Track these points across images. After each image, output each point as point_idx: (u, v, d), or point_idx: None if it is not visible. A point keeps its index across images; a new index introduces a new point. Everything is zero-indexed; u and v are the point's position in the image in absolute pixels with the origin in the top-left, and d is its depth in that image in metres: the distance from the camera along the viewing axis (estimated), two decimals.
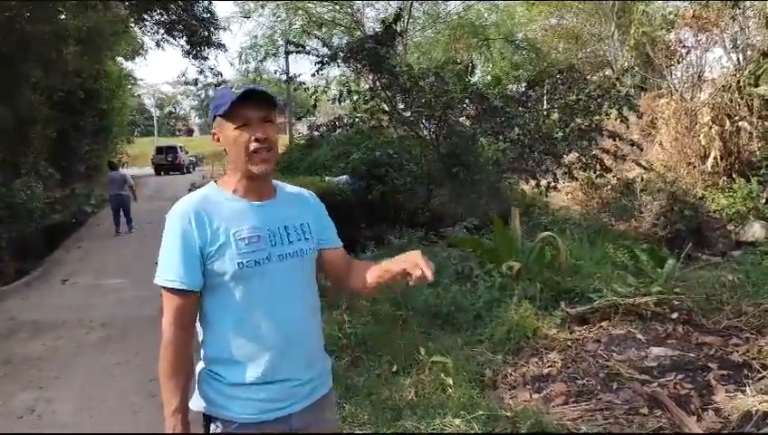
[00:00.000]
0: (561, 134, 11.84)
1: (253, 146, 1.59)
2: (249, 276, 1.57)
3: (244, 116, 1.59)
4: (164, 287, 1.56)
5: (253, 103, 1.60)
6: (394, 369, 3.78)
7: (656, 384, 2.93)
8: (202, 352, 1.66)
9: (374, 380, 3.62)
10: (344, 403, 3.30)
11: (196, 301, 1.59)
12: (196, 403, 1.65)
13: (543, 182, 12.06)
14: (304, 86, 15.18)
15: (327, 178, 18.75)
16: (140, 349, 5.23)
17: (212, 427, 1.62)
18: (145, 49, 23.08)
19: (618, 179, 14.43)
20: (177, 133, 67.85)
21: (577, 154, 12.04)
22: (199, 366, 1.67)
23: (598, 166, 11.70)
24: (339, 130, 14.11)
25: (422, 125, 12.65)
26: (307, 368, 1.68)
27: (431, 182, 13.49)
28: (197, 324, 1.65)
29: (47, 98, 13.06)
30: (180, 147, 33.59)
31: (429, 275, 1.56)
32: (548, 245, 4.65)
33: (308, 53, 13.54)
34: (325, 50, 14.44)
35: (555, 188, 11.95)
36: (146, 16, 12.74)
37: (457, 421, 2.76)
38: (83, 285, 8.81)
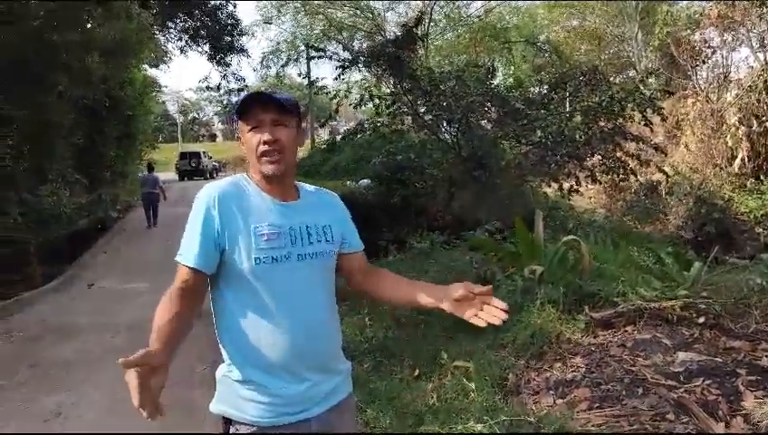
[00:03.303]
0: (583, 137, 11.71)
1: (261, 148, 1.62)
2: (266, 273, 1.57)
3: (255, 118, 1.63)
4: (179, 264, 1.59)
5: (262, 106, 1.63)
6: (416, 373, 3.76)
7: (682, 390, 2.86)
8: (222, 353, 1.66)
9: (396, 384, 3.61)
10: (366, 408, 3.29)
11: (204, 281, 1.59)
12: (216, 406, 1.65)
13: (566, 185, 11.94)
14: (325, 90, 15.29)
15: (348, 182, 18.84)
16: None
17: (231, 429, 1.61)
18: (169, 56, 23.45)
19: (641, 183, 14.23)
20: (201, 139, 68.73)
21: (600, 157, 11.91)
22: (219, 369, 1.68)
23: (621, 169, 11.55)
24: (360, 135, 14.13)
25: (443, 129, 12.62)
26: (326, 371, 1.67)
27: (452, 185, 13.44)
28: (214, 324, 1.65)
29: (73, 105, 13.31)
30: (203, 152, 34.03)
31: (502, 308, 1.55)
32: (571, 248, 4.60)
33: (329, 57, 13.60)
34: (346, 54, 14.50)
35: (577, 191, 11.81)
36: (170, 24, 12.92)
37: (479, 427, 2.73)
38: (109, 290, 8.94)
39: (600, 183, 12.85)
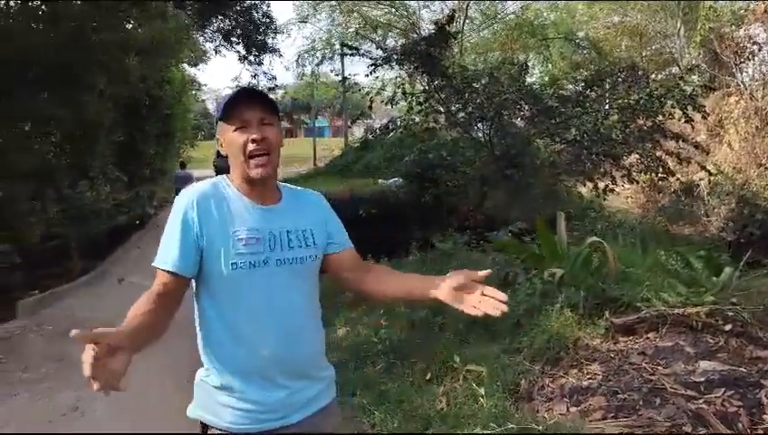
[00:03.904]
0: (620, 135, 11.44)
1: (250, 147, 1.59)
2: (243, 279, 1.55)
3: (241, 118, 1.60)
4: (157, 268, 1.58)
5: (250, 105, 1.60)
6: (428, 377, 3.74)
7: (702, 401, 2.76)
8: (202, 358, 1.66)
9: (407, 387, 3.58)
10: (375, 410, 3.29)
11: (183, 284, 1.58)
12: (194, 411, 1.65)
13: (601, 185, 11.69)
14: (358, 87, 15.33)
15: (380, 180, 18.81)
16: (191, 350, 5.34)
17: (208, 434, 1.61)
18: (208, 55, 23.85)
19: (681, 182, 13.82)
20: None
21: (638, 156, 11.62)
22: (198, 374, 1.68)
23: (660, 168, 11.24)
24: (393, 133, 14.12)
25: (476, 127, 12.50)
26: (306, 377, 1.65)
27: (485, 184, 13.30)
28: (197, 328, 1.64)
29: (114, 104, 13.65)
30: None
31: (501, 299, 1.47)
32: (596, 250, 4.49)
33: (362, 55, 13.63)
34: (379, 52, 14.50)
35: (613, 190, 11.53)
36: (205, 23, 13.11)
37: (485, 433, 2.69)
38: (138, 285, 9.07)
39: (638, 183, 12.54)
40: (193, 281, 1.63)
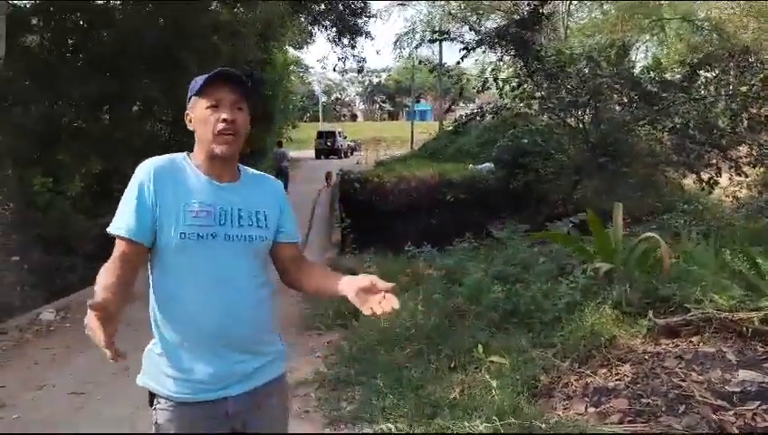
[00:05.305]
0: (729, 124, 10.56)
1: (219, 126, 1.63)
2: (190, 250, 1.59)
3: (215, 96, 1.65)
4: (114, 235, 1.63)
5: (225, 86, 1.66)
6: (452, 365, 3.69)
7: (731, 413, 2.53)
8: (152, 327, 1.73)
9: (429, 374, 3.55)
10: (389, 393, 3.31)
11: (141, 252, 1.63)
12: (142, 379, 1.70)
13: (705, 177, 10.84)
14: (450, 72, 15.17)
15: (470, 165, 18.58)
16: None
17: (154, 403, 1.67)
18: (313, 38, 24.36)
19: None
20: (342, 118, 71.08)
21: (747, 147, 10.69)
22: (149, 344, 1.75)
23: None
24: (482, 118, 13.84)
25: (570, 112, 11.95)
26: (246, 352, 1.68)
27: (578, 173, 12.75)
28: (150, 299, 1.72)
29: None
30: (339, 132, 34.99)
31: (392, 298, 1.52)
32: (658, 246, 4.19)
33: (452, 39, 13.46)
34: (472, 35, 14.23)
35: (717, 183, 10.67)
36: (298, 9, 13.41)
37: (482, 426, 2.62)
38: None
39: (747, 176, 11.54)
40: (148, 254, 1.68)
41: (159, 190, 1.62)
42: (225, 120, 1.64)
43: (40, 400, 4.02)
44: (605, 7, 26.94)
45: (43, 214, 8.42)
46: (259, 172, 1.86)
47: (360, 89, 73.19)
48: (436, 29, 21.16)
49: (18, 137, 8.47)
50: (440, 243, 8.37)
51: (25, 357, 4.97)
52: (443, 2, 25.91)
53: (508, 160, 16.10)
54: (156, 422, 1.66)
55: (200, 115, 1.67)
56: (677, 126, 10.71)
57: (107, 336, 1.28)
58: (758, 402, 2.57)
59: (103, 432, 3.39)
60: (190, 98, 1.71)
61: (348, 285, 1.62)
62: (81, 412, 3.75)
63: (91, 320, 1.29)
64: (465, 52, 12.55)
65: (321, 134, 34.13)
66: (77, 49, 10.82)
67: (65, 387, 4.17)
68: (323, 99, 65.35)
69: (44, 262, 7.70)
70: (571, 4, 24.76)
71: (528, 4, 12.53)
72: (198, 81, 1.68)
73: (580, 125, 12.08)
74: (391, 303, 1.51)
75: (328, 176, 19.39)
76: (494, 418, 2.67)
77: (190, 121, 1.72)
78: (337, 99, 75.59)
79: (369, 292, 1.56)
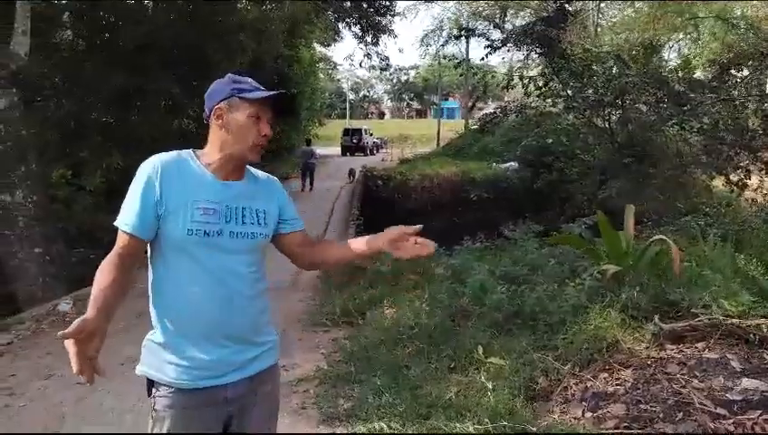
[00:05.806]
0: (761, 126, 10.26)
1: (260, 140, 1.75)
2: (196, 245, 1.66)
3: (261, 109, 1.75)
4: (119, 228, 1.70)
5: (272, 104, 1.77)
6: (452, 365, 3.66)
7: (731, 421, 2.45)
8: (151, 318, 1.77)
9: (429, 373, 3.53)
10: (387, 392, 3.29)
11: (141, 247, 1.70)
12: (141, 368, 1.77)
13: (734, 178, 10.55)
14: (473, 70, 15.07)
15: (494, 164, 18.44)
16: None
17: (153, 391, 1.73)
18: (340, 36, 24.39)
19: None
20: (370, 116, 71.24)
21: None
22: (147, 335, 1.80)
23: None
24: (511, 116, 13.71)
25: (597, 112, 11.76)
26: (243, 342, 1.75)
27: (603, 173, 12.53)
28: (149, 290, 1.76)
29: None
30: (365, 129, 35.00)
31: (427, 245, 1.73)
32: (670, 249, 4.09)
33: (478, 36, 13.37)
34: (498, 34, 14.12)
35: (747, 185, 10.38)
36: (327, 5, 13.47)
37: (472, 428, 2.59)
38: None
39: None
40: (148, 245, 1.75)
41: (165, 186, 1.67)
42: (265, 136, 1.76)
43: (47, 389, 4.10)
44: (637, 5, 26.40)
45: (65, 207, 8.61)
46: (261, 172, 1.93)
47: (389, 86, 73.19)
48: (463, 26, 21.07)
49: (44, 132, 8.66)
50: (461, 243, 8.33)
51: (39, 347, 5.07)
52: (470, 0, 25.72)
53: (532, 160, 15.95)
54: (154, 409, 1.72)
55: (241, 120, 1.74)
56: (706, 126, 10.47)
57: (80, 362, 1.40)
58: (759, 412, 2.48)
59: (103, 432, 3.44)
60: (229, 96, 1.74)
61: (375, 241, 1.79)
62: (84, 402, 3.81)
63: (68, 345, 1.40)
64: (489, 49, 12.47)
65: (347, 131, 34.22)
66: (106, 45, 11.04)
67: (73, 377, 4.23)
68: (351, 96, 65.51)
69: (66, 254, 7.88)
70: (601, 2, 24.32)
71: (555, 2, 12.38)
72: (246, 85, 1.76)
73: (607, 125, 11.89)
74: (427, 246, 1.72)
75: (351, 173, 19.52)
76: (486, 420, 2.65)
77: (219, 118, 1.75)
78: (365, 96, 75.70)
79: (400, 240, 1.75)
